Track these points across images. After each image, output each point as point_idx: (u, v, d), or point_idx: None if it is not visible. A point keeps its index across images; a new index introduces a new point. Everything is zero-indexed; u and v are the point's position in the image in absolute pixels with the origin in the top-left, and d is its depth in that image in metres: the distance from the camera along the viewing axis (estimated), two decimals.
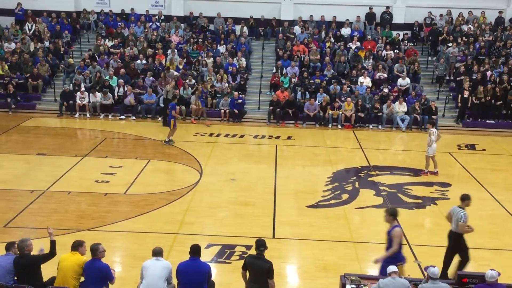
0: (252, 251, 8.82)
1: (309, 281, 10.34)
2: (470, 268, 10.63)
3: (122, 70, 23.61)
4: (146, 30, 26.95)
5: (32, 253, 8.58)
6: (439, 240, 12.17)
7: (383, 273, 8.82)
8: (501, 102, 22.67)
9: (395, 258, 9.13)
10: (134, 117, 22.45)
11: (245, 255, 9.79)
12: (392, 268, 8.18)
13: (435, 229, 12.90)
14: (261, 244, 8.33)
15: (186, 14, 28.17)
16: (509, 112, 22.80)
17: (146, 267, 8.32)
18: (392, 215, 9.30)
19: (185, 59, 24.75)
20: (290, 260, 11.27)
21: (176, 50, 25.18)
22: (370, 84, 23.62)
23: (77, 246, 8.49)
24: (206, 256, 10.45)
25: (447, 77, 24.98)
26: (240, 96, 22.72)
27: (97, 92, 22.61)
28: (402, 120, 22.13)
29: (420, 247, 11.75)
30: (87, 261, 8.36)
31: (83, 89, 22.74)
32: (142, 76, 23.71)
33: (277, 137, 20.40)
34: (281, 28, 27.35)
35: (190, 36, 26.63)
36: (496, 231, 12.82)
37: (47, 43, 25.74)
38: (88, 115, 22.46)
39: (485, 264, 10.47)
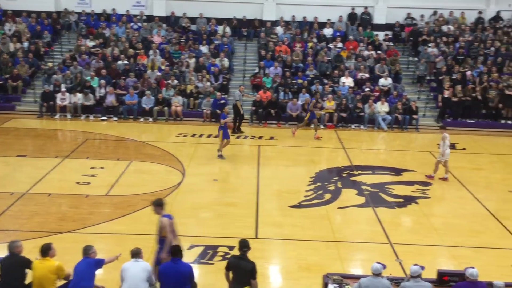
0: (235, 252, 8.85)
1: (292, 281, 10.36)
2: (450, 266, 10.76)
3: (104, 71, 23.47)
4: (127, 30, 26.79)
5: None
6: (420, 238, 12.33)
7: (157, 262, 8.95)
8: (480, 102, 22.94)
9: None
10: (115, 118, 22.32)
11: (228, 256, 9.78)
12: (375, 268, 8.22)
13: (416, 228, 13.01)
14: (244, 245, 8.36)
15: (168, 15, 28.07)
16: (489, 111, 23.06)
17: (125, 269, 8.27)
18: (158, 206, 9.27)
19: (167, 60, 24.69)
20: (273, 261, 11.28)
21: (158, 51, 25.09)
22: (352, 84, 23.74)
23: (45, 251, 8.35)
24: (188, 257, 10.42)
25: (428, 77, 25.19)
26: (223, 96, 22.70)
27: (78, 93, 22.43)
28: (384, 120, 22.28)
29: (402, 246, 11.83)
30: (60, 265, 8.31)
31: (63, 89, 22.55)
32: (124, 76, 23.59)
33: (260, 138, 20.41)
34: (263, 28, 27.37)
35: (172, 37, 26.54)
36: (476, 230, 12.95)
37: (26, 44, 25.47)
38: (69, 116, 22.26)
39: (465, 262, 10.54)
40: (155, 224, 9.29)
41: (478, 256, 11.48)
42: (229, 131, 17.78)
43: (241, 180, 15.80)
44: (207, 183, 15.38)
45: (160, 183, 15.12)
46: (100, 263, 8.56)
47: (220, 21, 27.49)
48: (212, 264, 10.67)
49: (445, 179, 16.09)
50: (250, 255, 8.42)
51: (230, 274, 8.39)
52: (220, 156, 17.39)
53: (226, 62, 24.99)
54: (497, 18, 27.73)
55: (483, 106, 23.09)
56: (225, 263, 8.60)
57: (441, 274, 8.80)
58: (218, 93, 22.50)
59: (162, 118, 22.40)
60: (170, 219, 9.22)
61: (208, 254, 11.06)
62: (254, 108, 22.48)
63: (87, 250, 8.43)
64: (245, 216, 13.13)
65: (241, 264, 8.24)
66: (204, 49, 25.88)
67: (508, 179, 16.59)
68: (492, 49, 25.55)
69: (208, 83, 23.48)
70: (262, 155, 18.17)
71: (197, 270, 9.97)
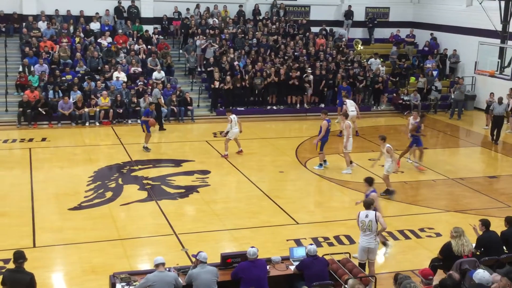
0: (11, 265, 8.20)
1: (77, 286, 9.97)
2: (233, 248, 11.32)
3: None
4: None
5: None
6: (203, 225, 12.76)
7: None
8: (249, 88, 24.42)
9: None
10: None
11: (3, 270, 9.03)
12: (158, 259, 8.28)
13: (199, 216, 13.42)
14: (19, 256, 7.87)
15: None
16: (256, 98, 24.64)
17: None
18: None
19: None
20: (55, 268, 10.74)
21: None
22: (125, 79, 23.45)
23: None
24: None
25: (199, 69, 25.99)
26: None
27: None
28: None
29: (186, 235, 12.11)
30: None
31: None
32: None
33: (30, 140, 19.12)
34: (24, 23, 25.53)
35: None
36: (253, 211, 13.80)
37: None
38: None
39: (246, 242, 11.18)
40: None
41: (256, 235, 12.24)
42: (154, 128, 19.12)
43: (12, 187, 14.68)
44: None
45: None
46: None
47: None
48: None
49: (240, 151, 18.07)
50: (28, 266, 7.93)
51: None
52: (146, 149, 18.15)
53: None
54: (256, 11, 29.63)
55: (250, 94, 24.61)
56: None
57: (224, 257, 9.22)
58: None
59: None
60: None
61: None
62: (21, 109, 20.91)
63: None
64: (20, 225, 12.27)
65: (17, 277, 7.74)
66: None
67: (277, 161, 17.94)
68: (254, 40, 27.27)
69: None
70: (34, 158, 17.06)
71: None
